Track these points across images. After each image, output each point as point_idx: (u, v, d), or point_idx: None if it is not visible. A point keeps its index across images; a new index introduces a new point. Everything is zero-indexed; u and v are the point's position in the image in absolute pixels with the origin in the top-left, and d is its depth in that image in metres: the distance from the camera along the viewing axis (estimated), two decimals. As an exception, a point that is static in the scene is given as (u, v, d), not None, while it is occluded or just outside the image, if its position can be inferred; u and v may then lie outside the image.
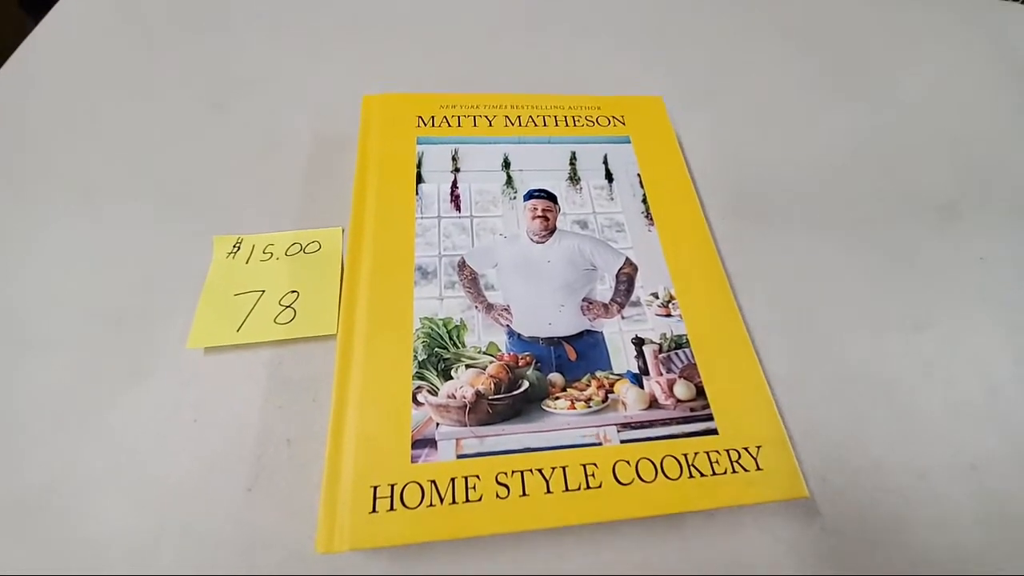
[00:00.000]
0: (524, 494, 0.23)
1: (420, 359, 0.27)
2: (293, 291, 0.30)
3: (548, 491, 0.24)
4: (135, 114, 0.39)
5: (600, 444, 0.25)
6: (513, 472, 0.24)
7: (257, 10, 0.47)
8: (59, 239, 0.32)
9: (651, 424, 0.26)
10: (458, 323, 0.28)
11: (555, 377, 0.27)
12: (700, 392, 0.27)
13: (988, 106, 0.46)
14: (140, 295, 0.30)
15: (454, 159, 0.34)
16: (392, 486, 0.23)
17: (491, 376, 0.26)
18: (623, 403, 0.26)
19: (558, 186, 0.34)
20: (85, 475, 0.25)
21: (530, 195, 0.33)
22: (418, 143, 0.35)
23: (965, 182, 0.40)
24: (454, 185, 0.33)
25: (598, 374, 0.27)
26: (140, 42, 0.44)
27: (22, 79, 0.40)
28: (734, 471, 0.25)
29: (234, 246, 0.32)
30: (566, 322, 0.29)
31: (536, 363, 0.27)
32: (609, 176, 0.35)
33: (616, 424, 0.26)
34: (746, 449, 0.25)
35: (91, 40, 0.44)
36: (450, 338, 0.27)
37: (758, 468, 0.25)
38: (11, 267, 0.31)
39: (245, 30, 0.45)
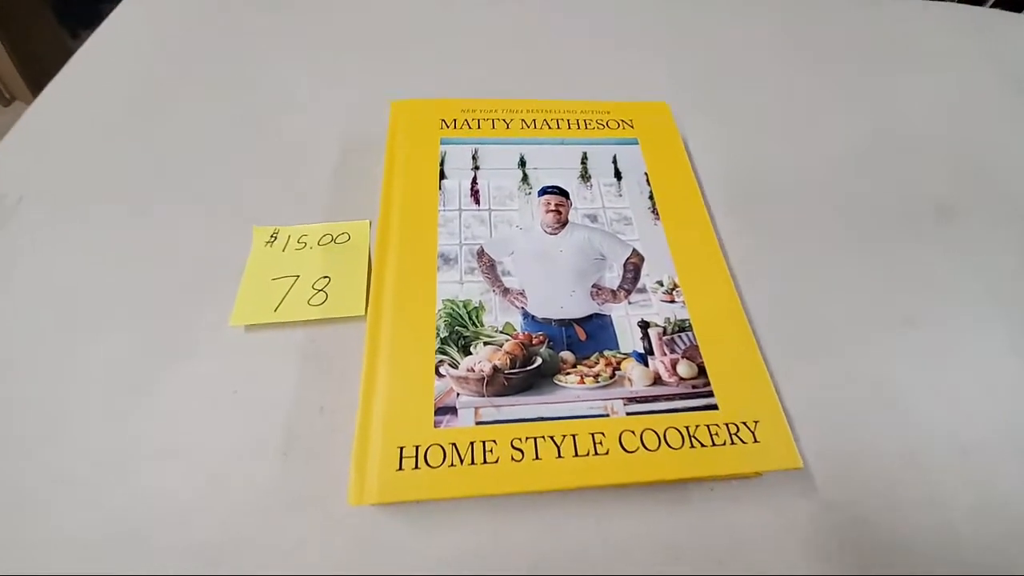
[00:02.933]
0: (537, 458, 0.25)
1: (442, 336, 0.29)
2: (325, 276, 0.33)
3: (559, 456, 0.26)
4: (186, 125, 0.41)
5: (607, 416, 0.27)
6: (527, 438, 0.26)
7: (293, 33, 0.50)
8: (116, 234, 0.35)
9: (655, 399, 0.28)
10: (477, 304, 0.30)
11: (566, 355, 0.29)
12: (702, 371, 0.29)
13: (988, 113, 0.48)
14: (189, 279, 0.33)
15: (474, 158, 0.37)
16: (417, 447, 0.25)
17: (507, 352, 0.29)
18: (629, 379, 0.28)
19: (570, 183, 0.37)
20: (137, 441, 0.27)
21: (544, 191, 0.36)
22: (441, 143, 0.38)
23: (965, 186, 0.42)
24: (474, 181, 0.36)
25: (606, 353, 0.29)
26: (187, 58, 0.47)
27: (74, 94, 0.44)
28: (733, 443, 0.27)
29: (272, 236, 0.35)
30: (577, 305, 0.31)
31: (549, 342, 0.30)
32: (618, 175, 0.37)
33: (623, 398, 0.28)
34: (744, 423, 0.27)
35: (139, 56, 0.47)
36: (469, 318, 0.30)
37: (755, 440, 0.27)
38: (76, 260, 0.34)
39: (285, 49, 0.48)
